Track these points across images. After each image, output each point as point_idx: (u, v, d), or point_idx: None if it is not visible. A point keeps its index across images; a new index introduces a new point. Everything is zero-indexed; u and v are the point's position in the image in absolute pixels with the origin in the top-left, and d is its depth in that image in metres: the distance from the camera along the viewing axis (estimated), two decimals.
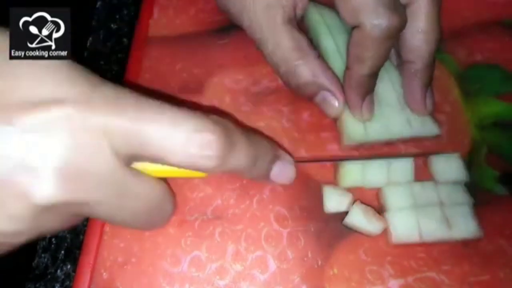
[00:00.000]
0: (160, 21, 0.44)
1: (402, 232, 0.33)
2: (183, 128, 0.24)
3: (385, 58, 0.34)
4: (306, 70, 0.35)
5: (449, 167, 0.35)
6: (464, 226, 0.33)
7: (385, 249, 0.34)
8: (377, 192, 0.35)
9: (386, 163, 0.35)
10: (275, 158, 0.31)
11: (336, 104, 0.36)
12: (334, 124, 0.38)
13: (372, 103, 0.36)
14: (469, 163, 0.36)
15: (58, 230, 0.26)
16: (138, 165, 0.26)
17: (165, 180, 0.28)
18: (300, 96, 0.37)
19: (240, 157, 0.27)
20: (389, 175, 0.35)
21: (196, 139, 0.24)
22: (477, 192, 0.35)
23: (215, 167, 0.25)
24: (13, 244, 0.23)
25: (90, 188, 0.23)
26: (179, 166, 0.25)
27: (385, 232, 0.34)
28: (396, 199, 0.34)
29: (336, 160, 0.37)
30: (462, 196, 0.34)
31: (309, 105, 0.38)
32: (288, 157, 0.32)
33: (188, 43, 0.42)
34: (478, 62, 0.41)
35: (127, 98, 0.24)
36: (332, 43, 0.38)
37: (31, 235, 0.23)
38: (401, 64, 0.37)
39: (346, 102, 0.36)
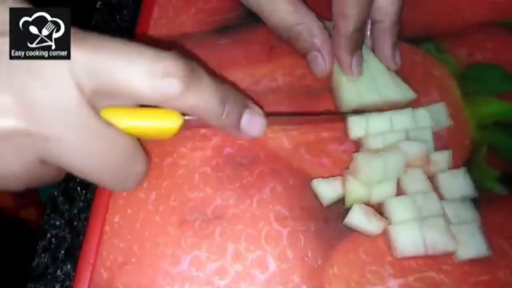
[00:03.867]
0: (160, 21, 0.44)
1: (407, 245, 0.33)
2: (146, 57, 0.24)
3: (368, 13, 0.36)
4: (304, 31, 0.38)
5: (456, 183, 0.35)
6: (472, 245, 0.33)
7: (385, 249, 0.34)
8: (380, 204, 0.35)
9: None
10: (244, 106, 0.31)
11: (323, 65, 0.38)
12: (334, 124, 0.38)
13: (361, 59, 0.38)
14: (469, 163, 0.36)
15: (27, 179, 0.25)
16: (107, 117, 0.26)
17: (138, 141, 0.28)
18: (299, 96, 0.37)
19: (206, 89, 0.27)
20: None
21: (159, 66, 0.24)
22: (477, 192, 0.35)
23: (178, 94, 0.25)
24: None
25: (51, 120, 0.23)
26: (143, 96, 0.25)
27: (385, 232, 0.34)
28: (400, 212, 0.34)
29: (313, 115, 0.38)
30: (470, 214, 0.34)
31: (309, 105, 0.39)
32: (258, 108, 0.32)
33: (188, 43, 0.42)
34: (478, 62, 0.41)
35: (90, 34, 0.24)
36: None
37: (7, 179, 0.24)
38: (371, 25, 0.39)
39: (338, 62, 0.38)
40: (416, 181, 0.35)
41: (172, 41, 0.42)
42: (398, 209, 0.34)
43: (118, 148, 0.26)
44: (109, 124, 0.25)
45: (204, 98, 0.27)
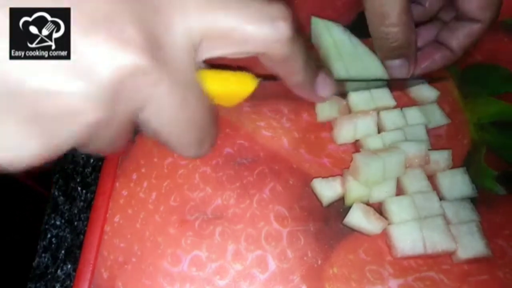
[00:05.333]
0: None
1: (406, 245, 0.33)
2: (254, 4, 0.25)
3: None
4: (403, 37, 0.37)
5: (455, 183, 0.35)
6: (472, 245, 0.33)
7: (385, 249, 0.34)
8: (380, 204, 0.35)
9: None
10: (320, 66, 0.32)
11: (407, 73, 0.38)
12: (334, 124, 0.38)
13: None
14: (468, 162, 0.36)
15: (110, 142, 0.24)
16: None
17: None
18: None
19: (301, 45, 0.27)
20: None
21: (268, 10, 0.25)
22: (476, 192, 0.35)
23: (286, 38, 0.25)
24: (80, 121, 0.21)
25: (167, 62, 0.22)
26: (251, 40, 0.25)
27: (385, 232, 0.34)
28: (399, 212, 0.34)
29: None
30: (469, 214, 0.34)
31: (309, 105, 0.39)
32: (328, 70, 0.33)
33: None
34: (478, 62, 0.41)
35: None
36: (338, 54, 0.39)
37: (103, 112, 0.21)
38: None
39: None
40: (415, 181, 0.35)
41: None
42: (398, 209, 0.34)
43: (205, 106, 0.25)
44: (201, 85, 0.25)
45: (299, 49, 0.27)
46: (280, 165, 0.37)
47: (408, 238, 0.33)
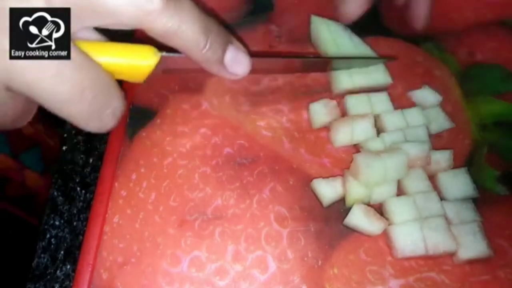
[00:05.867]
0: None
1: (407, 246, 0.32)
2: None
3: None
4: None
5: (457, 183, 0.35)
6: (473, 245, 0.33)
7: (385, 249, 0.33)
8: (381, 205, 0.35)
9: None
10: (229, 41, 0.29)
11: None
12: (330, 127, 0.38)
13: None
14: (470, 162, 0.36)
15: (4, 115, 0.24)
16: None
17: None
18: (299, 96, 0.37)
19: (187, 13, 0.25)
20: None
21: None
22: (477, 192, 0.35)
23: (158, 10, 0.24)
24: None
25: None
26: (120, 12, 0.24)
27: (386, 232, 0.34)
28: (400, 212, 0.33)
29: (287, 57, 0.38)
30: (471, 214, 0.34)
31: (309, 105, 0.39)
32: (241, 45, 0.30)
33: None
34: (479, 61, 0.41)
35: None
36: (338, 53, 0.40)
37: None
38: None
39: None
40: (417, 181, 0.35)
41: None
42: (399, 210, 0.34)
43: (93, 77, 0.24)
44: (83, 52, 0.24)
45: (185, 21, 0.25)
46: (280, 165, 0.37)
47: (409, 239, 0.32)
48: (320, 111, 0.38)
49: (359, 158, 0.34)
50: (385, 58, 0.39)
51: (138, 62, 0.26)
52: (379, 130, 0.37)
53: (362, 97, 0.38)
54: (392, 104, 0.38)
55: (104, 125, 0.26)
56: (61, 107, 0.24)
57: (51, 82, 0.22)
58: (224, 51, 0.29)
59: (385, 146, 0.36)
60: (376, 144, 0.36)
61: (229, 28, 0.42)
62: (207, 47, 0.27)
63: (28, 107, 0.26)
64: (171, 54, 0.28)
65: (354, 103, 0.37)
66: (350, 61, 0.38)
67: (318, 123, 0.38)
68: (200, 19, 0.26)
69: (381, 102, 0.37)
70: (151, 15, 0.24)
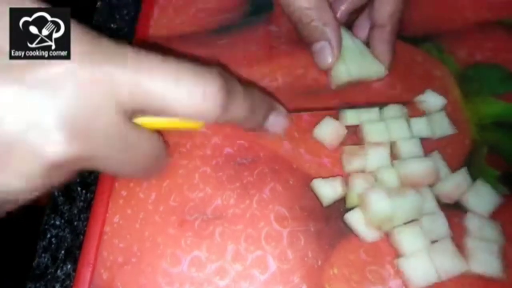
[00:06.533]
0: (160, 21, 0.44)
1: (420, 278, 0.32)
2: (186, 80, 0.24)
3: None
4: (318, 15, 0.37)
5: (483, 197, 0.34)
6: (486, 263, 0.32)
7: (385, 249, 0.33)
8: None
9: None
10: (270, 109, 0.33)
11: (330, 57, 0.38)
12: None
13: None
14: (470, 163, 0.36)
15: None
16: (138, 119, 0.26)
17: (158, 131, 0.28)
18: (299, 96, 0.37)
19: (239, 106, 0.28)
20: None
21: (200, 90, 0.25)
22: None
23: (217, 117, 0.26)
24: (20, 201, 0.23)
25: (98, 143, 0.23)
26: (181, 116, 0.26)
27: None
28: (408, 242, 0.33)
29: (331, 109, 0.38)
30: (494, 234, 0.33)
31: (309, 105, 0.38)
32: (281, 108, 0.34)
33: (188, 43, 0.42)
34: (478, 61, 0.41)
35: (129, 52, 0.24)
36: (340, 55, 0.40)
37: (39, 192, 0.23)
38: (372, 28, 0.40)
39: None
40: (423, 201, 0.34)
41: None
42: (407, 239, 0.33)
43: (149, 148, 0.26)
44: (142, 129, 0.26)
45: (237, 114, 0.28)
46: (280, 165, 0.37)
47: (420, 271, 0.32)
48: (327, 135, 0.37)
49: (370, 195, 0.33)
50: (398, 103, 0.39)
51: (189, 124, 0.28)
52: (393, 156, 0.36)
53: (379, 124, 0.37)
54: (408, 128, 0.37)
55: (149, 178, 0.32)
56: (121, 175, 0.29)
57: (118, 166, 0.25)
58: (266, 119, 0.32)
59: (399, 174, 0.35)
60: (390, 175, 0.35)
61: (232, 29, 0.42)
62: (252, 121, 0.31)
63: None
64: None
65: (371, 130, 0.37)
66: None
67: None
68: (248, 102, 0.29)
69: (398, 128, 0.37)
70: (210, 120, 0.27)
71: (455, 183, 0.35)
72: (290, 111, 0.35)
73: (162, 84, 0.24)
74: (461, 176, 0.35)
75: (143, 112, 0.25)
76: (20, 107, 0.21)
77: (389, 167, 0.35)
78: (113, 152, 0.24)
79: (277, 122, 0.33)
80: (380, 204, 0.33)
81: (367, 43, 0.40)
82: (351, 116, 0.38)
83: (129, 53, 0.24)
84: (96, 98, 0.22)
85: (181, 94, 0.24)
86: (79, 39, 0.23)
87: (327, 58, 0.38)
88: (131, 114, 0.24)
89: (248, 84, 0.29)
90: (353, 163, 0.36)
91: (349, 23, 0.42)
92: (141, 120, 0.26)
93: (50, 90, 0.21)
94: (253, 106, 0.29)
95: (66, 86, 0.21)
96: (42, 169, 0.21)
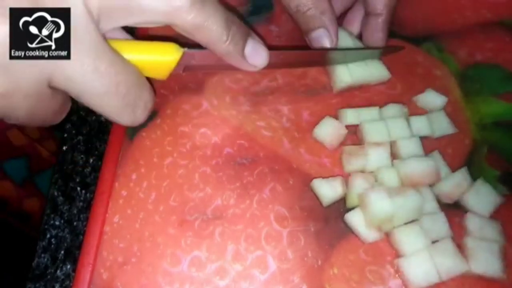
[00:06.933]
0: None
1: (420, 278, 0.31)
2: None
3: None
4: (314, 4, 0.37)
5: (479, 196, 0.34)
6: (487, 263, 0.32)
7: (385, 249, 0.33)
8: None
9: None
10: (248, 34, 0.31)
11: (328, 43, 0.38)
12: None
13: None
14: (470, 162, 0.36)
15: (34, 108, 0.25)
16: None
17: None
18: (299, 96, 0.37)
19: (212, 9, 0.27)
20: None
21: None
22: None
23: (186, 8, 0.25)
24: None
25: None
26: (150, 10, 0.25)
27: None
28: (408, 242, 0.32)
29: (306, 49, 0.39)
30: (494, 234, 0.33)
31: (309, 105, 0.38)
32: (258, 38, 0.32)
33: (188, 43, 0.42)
34: (479, 61, 0.41)
35: None
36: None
37: (4, 80, 0.22)
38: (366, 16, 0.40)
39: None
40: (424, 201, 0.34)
41: None
42: (407, 239, 0.33)
43: (125, 72, 0.26)
44: (115, 50, 0.25)
45: (209, 18, 0.27)
46: (280, 165, 0.37)
47: (421, 271, 0.32)
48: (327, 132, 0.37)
49: (370, 195, 0.33)
50: (385, 48, 0.40)
51: (162, 58, 0.28)
52: (393, 156, 0.36)
53: (379, 123, 0.37)
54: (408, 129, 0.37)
55: (136, 118, 0.28)
56: (97, 101, 0.26)
57: (89, 77, 0.24)
58: (244, 43, 0.31)
59: (399, 174, 0.35)
60: (391, 175, 0.35)
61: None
62: (229, 40, 0.29)
63: (65, 103, 0.27)
64: (192, 50, 0.29)
65: (370, 129, 0.36)
66: (349, 52, 0.39)
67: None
68: (223, 13, 0.28)
69: (398, 128, 0.37)
70: (180, 11, 0.26)
71: (455, 183, 0.35)
72: (270, 48, 0.33)
73: None
74: (462, 176, 0.35)
75: (111, 12, 0.25)
76: None
77: (389, 166, 0.35)
78: (79, 53, 0.23)
79: (256, 50, 0.32)
80: (380, 204, 0.33)
81: (360, 36, 0.41)
82: (351, 115, 0.37)
83: None
84: None
85: None
86: None
87: (325, 44, 0.38)
88: (98, 15, 0.24)
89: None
90: (353, 163, 0.36)
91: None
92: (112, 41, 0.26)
93: None
94: (228, 20, 0.28)
95: None
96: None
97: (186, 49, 0.29)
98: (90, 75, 0.24)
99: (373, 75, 0.39)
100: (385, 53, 0.40)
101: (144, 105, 0.28)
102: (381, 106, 0.38)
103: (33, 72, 0.23)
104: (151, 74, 0.29)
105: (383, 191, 0.33)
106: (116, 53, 0.25)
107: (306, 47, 0.39)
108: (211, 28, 0.27)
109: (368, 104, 0.39)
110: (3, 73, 0.22)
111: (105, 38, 0.25)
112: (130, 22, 0.26)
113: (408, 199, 0.33)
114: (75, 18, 0.23)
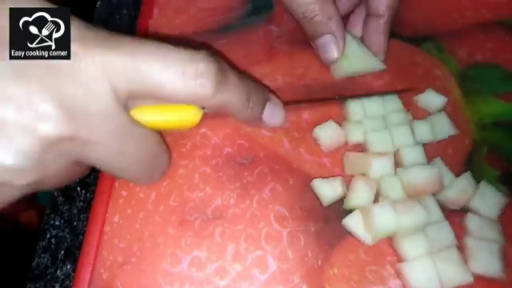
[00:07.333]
0: (160, 21, 0.44)
1: (421, 284, 0.31)
2: (178, 60, 0.25)
3: None
4: (321, 10, 0.37)
5: (489, 201, 0.34)
6: (487, 263, 0.32)
7: (385, 249, 0.33)
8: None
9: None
10: (266, 99, 0.33)
11: (335, 51, 0.38)
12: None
13: None
14: (470, 162, 0.36)
15: (60, 180, 0.26)
16: (135, 115, 0.27)
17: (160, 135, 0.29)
18: (299, 96, 0.37)
19: (234, 88, 0.28)
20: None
21: (192, 68, 0.25)
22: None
23: (211, 95, 0.26)
24: (16, 185, 0.23)
25: (92, 125, 0.23)
26: (177, 97, 0.26)
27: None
28: (411, 248, 0.32)
29: (327, 100, 0.39)
30: (494, 235, 0.33)
31: (309, 105, 0.38)
32: (277, 99, 0.34)
33: (188, 43, 0.42)
34: (479, 61, 0.41)
35: (121, 37, 0.25)
36: (344, 57, 0.40)
37: (35, 175, 0.23)
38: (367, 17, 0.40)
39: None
40: (428, 211, 0.34)
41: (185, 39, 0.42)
42: (410, 245, 0.32)
43: (147, 145, 0.27)
44: (138, 123, 0.26)
45: (232, 96, 0.28)
46: (280, 165, 0.37)
47: (423, 277, 0.31)
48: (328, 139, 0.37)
49: (374, 209, 0.33)
50: (400, 91, 0.39)
51: (182, 120, 0.29)
52: (396, 164, 0.36)
53: (384, 133, 0.37)
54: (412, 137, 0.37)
55: (153, 180, 0.31)
56: (119, 172, 0.28)
57: (114, 158, 0.26)
58: (262, 110, 0.33)
59: (403, 183, 0.34)
60: (394, 185, 0.35)
61: (232, 29, 0.42)
62: (250, 109, 0.31)
63: (88, 168, 0.29)
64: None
65: (375, 140, 0.36)
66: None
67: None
68: (243, 88, 0.29)
69: (402, 136, 0.36)
70: (204, 99, 0.27)
71: (460, 189, 0.34)
72: (286, 103, 0.35)
73: (155, 66, 0.25)
74: (466, 182, 0.35)
75: (138, 96, 0.25)
76: (13, 86, 0.21)
77: (392, 175, 0.35)
78: (107, 138, 0.24)
79: (274, 113, 0.33)
80: (385, 220, 0.32)
81: (362, 38, 0.41)
82: (355, 108, 0.38)
83: (123, 38, 0.24)
84: (90, 80, 0.23)
85: (174, 73, 0.25)
86: (75, 25, 0.23)
87: (333, 52, 0.38)
88: (126, 99, 0.25)
89: (242, 73, 0.30)
90: (355, 170, 0.36)
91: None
92: (136, 115, 0.27)
93: (45, 70, 0.22)
94: (248, 92, 0.30)
95: (61, 67, 0.22)
96: (36, 146, 0.22)
97: (206, 109, 0.30)
98: (115, 156, 0.26)
99: (369, 63, 0.39)
100: (399, 93, 0.39)
101: (162, 169, 0.31)
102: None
103: (62, 160, 0.24)
104: (172, 130, 0.31)
105: (387, 205, 0.33)
106: (140, 127, 0.27)
107: (322, 98, 0.39)
108: (234, 104, 0.29)
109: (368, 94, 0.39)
110: (36, 168, 0.23)
111: (129, 114, 0.26)
112: (153, 103, 0.27)
113: (413, 215, 0.33)
114: (103, 102, 0.24)
